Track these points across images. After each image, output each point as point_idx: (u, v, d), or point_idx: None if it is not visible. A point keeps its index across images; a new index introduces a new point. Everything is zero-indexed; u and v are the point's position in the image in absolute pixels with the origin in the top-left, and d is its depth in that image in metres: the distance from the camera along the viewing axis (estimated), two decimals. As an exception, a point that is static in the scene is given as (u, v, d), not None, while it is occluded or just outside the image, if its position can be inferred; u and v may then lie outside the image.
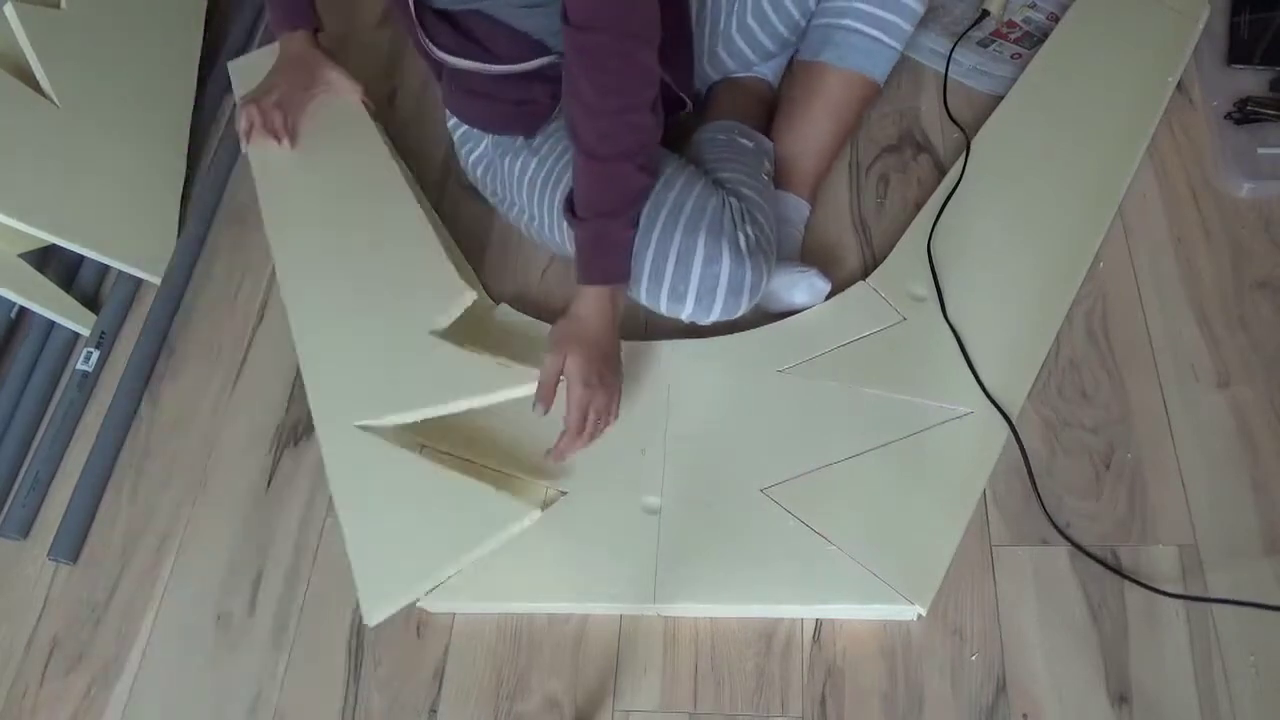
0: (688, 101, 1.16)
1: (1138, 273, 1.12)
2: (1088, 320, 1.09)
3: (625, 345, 1.09)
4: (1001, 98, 1.27)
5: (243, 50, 1.53)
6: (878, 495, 0.97)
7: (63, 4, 1.30)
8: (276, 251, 1.25)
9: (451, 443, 1.06)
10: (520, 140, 1.13)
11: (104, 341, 1.27)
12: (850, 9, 1.14)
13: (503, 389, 1.04)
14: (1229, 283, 1.09)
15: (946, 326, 1.08)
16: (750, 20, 1.19)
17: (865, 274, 1.14)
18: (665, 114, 1.00)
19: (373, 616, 0.95)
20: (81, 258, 1.33)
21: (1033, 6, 1.38)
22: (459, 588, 0.98)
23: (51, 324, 1.29)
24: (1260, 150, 1.16)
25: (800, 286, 1.10)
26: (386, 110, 1.44)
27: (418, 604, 0.99)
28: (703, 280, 0.99)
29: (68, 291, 1.31)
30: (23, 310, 1.31)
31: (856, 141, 1.30)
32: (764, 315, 1.12)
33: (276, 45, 1.36)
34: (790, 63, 1.28)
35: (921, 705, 0.89)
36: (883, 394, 1.03)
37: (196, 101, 1.48)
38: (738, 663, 0.94)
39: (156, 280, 1.31)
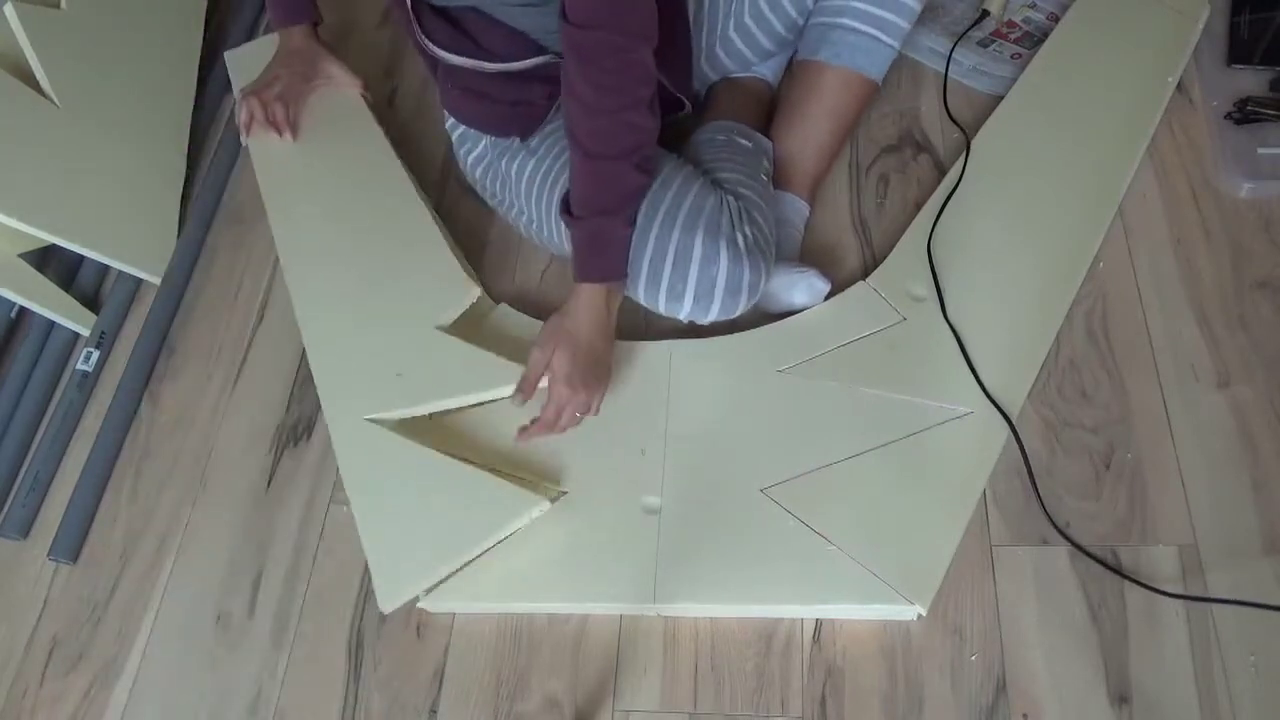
0: (686, 102, 1.16)
1: (1138, 273, 1.12)
2: (1088, 320, 1.09)
3: (625, 345, 1.10)
4: (1001, 98, 1.27)
5: (243, 50, 1.53)
6: (878, 495, 0.97)
7: (63, 4, 1.30)
8: (281, 246, 1.26)
9: (453, 445, 1.06)
10: (517, 141, 1.13)
11: (104, 341, 1.27)
12: (847, 8, 1.13)
13: (509, 385, 1.04)
14: (1229, 283, 1.09)
15: (946, 326, 1.08)
16: (748, 20, 1.19)
17: (865, 274, 1.14)
18: (662, 114, 1.00)
19: (387, 604, 0.96)
20: (81, 258, 1.33)
21: (1033, 6, 1.38)
22: (459, 588, 0.98)
23: (51, 324, 1.29)
24: (1260, 150, 1.16)
25: (800, 287, 1.10)
26: (386, 110, 1.44)
27: (418, 604, 0.99)
28: (700, 280, 0.99)
29: (68, 291, 1.31)
30: (23, 310, 1.31)
31: (856, 141, 1.30)
32: (764, 315, 1.12)
33: (275, 36, 1.37)
34: (789, 62, 1.28)
35: (921, 705, 0.89)
36: (883, 394, 1.03)
37: (197, 101, 1.48)
38: (738, 663, 0.94)
39: (156, 280, 1.31)
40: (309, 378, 1.18)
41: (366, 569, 1.04)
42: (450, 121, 1.21)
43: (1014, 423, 1.01)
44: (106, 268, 1.34)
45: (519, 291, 1.23)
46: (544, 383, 1.00)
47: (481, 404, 1.08)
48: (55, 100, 1.26)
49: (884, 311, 1.10)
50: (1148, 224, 1.15)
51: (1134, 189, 1.18)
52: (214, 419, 1.19)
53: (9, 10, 1.21)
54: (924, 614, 0.92)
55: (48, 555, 1.11)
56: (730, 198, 1.02)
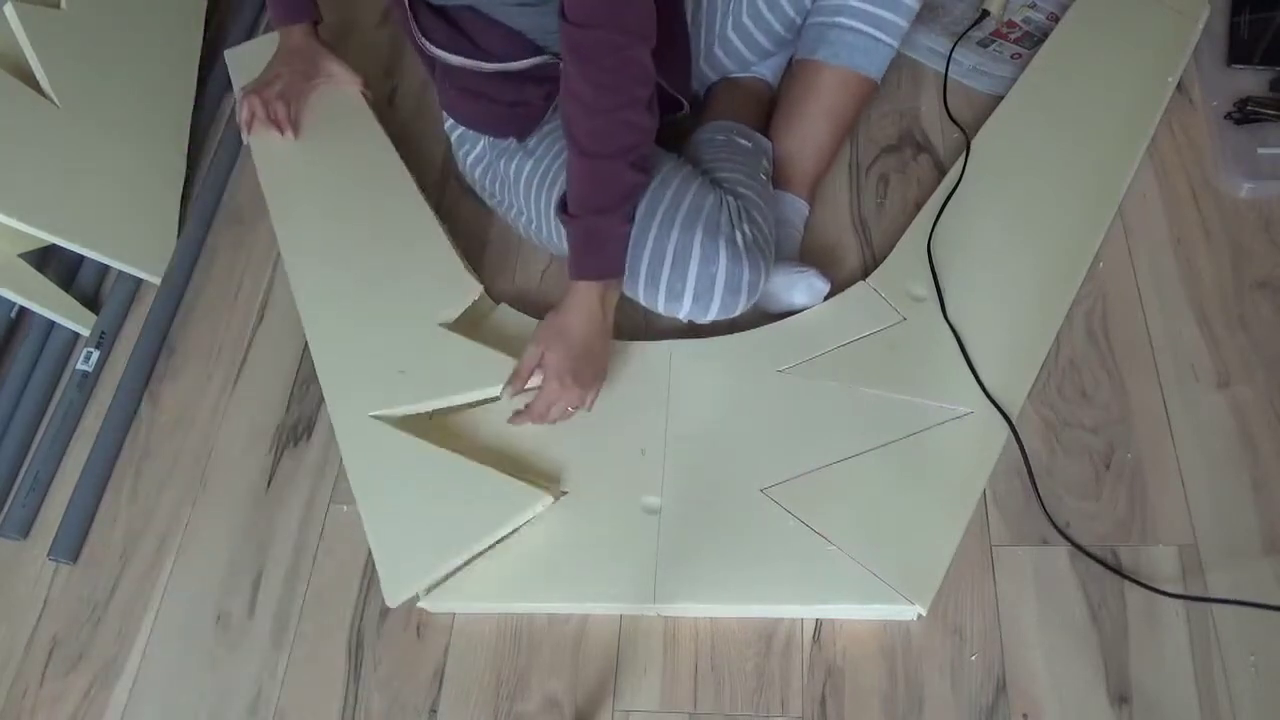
0: (684, 103, 1.16)
1: (1138, 273, 1.12)
2: (1088, 320, 1.09)
3: (625, 345, 1.10)
4: (1001, 98, 1.27)
5: (243, 50, 1.53)
6: (878, 495, 0.97)
7: (63, 4, 1.30)
8: (283, 243, 1.26)
9: (455, 444, 1.06)
10: (515, 142, 1.13)
11: (104, 341, 1.27)
12: (845, 7, 1.13)
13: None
14: (1229, 283, 1.09)
15: (946, 326, 1.08)
16: (746, 19, 1.19)
17: (865, 274, 1.14)
18: (660, 115, 1.00)
19: (393, 598, 0.96)
20: (81, 258, 1.33)
21: (1033, 6, 1.38)
22: (459, 588, 0.98)
23: (51, 324, 1.29)
24: (1260, 150, 1.16)
25: (799, 286, 1.10)
26: (386, 109, 1.44)
27: (418, 604, 0.99)
28: (700, 279, 1.00)
29: (68, 291, 1.31)
30: (23, 310, 1.31)
31: (856, 141, 1.30)
32: (764, 315, 1.12)
33: (275, 35, 1.37)
34: (789, 62, 1.28)
35: (921, 705, 0.89)
36: (883, 394, 1.03)
37: (197, 101, 1.48)
38: (738, 663, 0.94)
39: (156, 280, 1.31)
40: (309, 378, 1.19)
41: (366, 569, 1.05)
42: (449, 123, 1.21)
43: (1014, 423, 1.01)
44: (106, 268, 1.34)
45: (519, 291, 1.23)
46: (538, 379, 1.01)
47: (482, 403, 1.08)
48: (55, 100, 1.26)
49: (884, 311, 1.10)
50: (1148, 224, 1.15)
51: (1134, 189, 1.18)
52: (214, 419, 1.19)
53: (9, 10, 1.21)
54: (924, 614, 0.92)
55: (48, 555, 1.11)
56: (729, 197, 1.02)
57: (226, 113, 1.50)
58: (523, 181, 1.13)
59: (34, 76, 1.25)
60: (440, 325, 1.12)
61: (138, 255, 1.30)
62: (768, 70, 1.29)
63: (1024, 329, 1.08)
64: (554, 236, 1.12)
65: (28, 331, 1.31)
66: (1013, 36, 1.36)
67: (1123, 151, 1.20)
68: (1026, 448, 1.00)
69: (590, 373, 1.02)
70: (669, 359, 1.09)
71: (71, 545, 1.11)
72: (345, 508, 1.09)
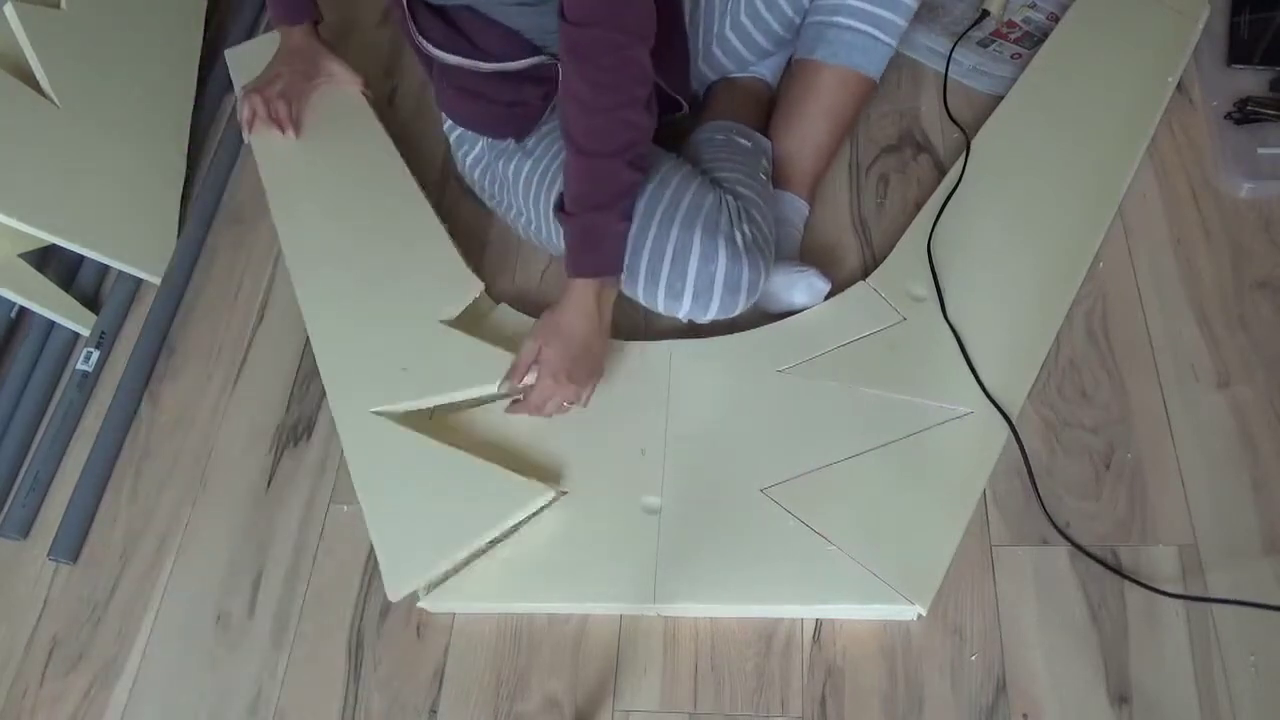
0: (683, 103, 1.16)
1: (1138, 273, 1.12)
2: (1088, 320, 1.09)
3: (625, 345, 1.10)
4: (1001, 98, 1.27)
5: (243, 50, 1.53)
6: (878, 495, 0.97)
7: (63, 4, 1.30)
8: (285, 242, 1.26)
9: (457, 443, 1.06)
10: (514, 143, 1.13)
11: (104, 341, 1.27)
12: (844, 6, 1.13)
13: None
14: (1229, 283, 1.09)
15: (946, 326, 1.08)
16: (744, 19, 1.19)
17: (865, 274, 1.14)
18: (659, 115, 1.00)
19: (395, 592, 0.96)
20: (81, 258, 1.33)
21: (1033, 6, 1.38)
22: (459, 588, 0.98)
23: (51, 324, 1.29)
24: (1260, 150, 1.16)
25: (799, 286, 1.10)
26: (386, 109, 1.44)
27: (418, 604, 0.99)
28: (699, 278, 1.00)
29: (68, 291, 1.31)
30: (23, 310, 1.31)
31: (856, 141, 1.30)
32: (764, 315, 1.12)
33: (275, 34, 1.37)
34: (788, 61, 1.28)
35: (921, 705, 0.89)
36: (883, 394, 1.03)
37: (197, 101, 1.48)
38: (738, 663, 0.94)
39: (156, 280, 1.31)
40: (309, 378, 1.19)
41: (366, 569, 1.05)
42: (448, 124, 1.21)
43: (1014, 423, 1.01)
44: (106, 268, 1.34)
45: (519, 292, 1.23)
46: (534, 375, 1.02)
47: (483, 400, 1.08)
48: (55, 100, 1.26)
49: (884, 311, 1.10)
50: (1148, 224, 1.15)
51: (1134, 189, 1.18)
52: (214, 419, 1.19)
53: (9, 10, 1.21)
54: (924, 614, 0.92)
55: (48, 555, 1.11)
56: (729, 196, 1.03)
57: (227, 112, 1.50)
58: (521, 182, 1.14)
59: (34, 76, 1.25)
60: (441, 322, 1.12)
61: (138, 255, 1.30)
62: (766, 70, 1.29)
63: (1024, 329, 1.08)
64: (553, 237, 1.12)
65: (28, 331, 1.31)
66: (1013, 36, 1.36)
67: (1123, 151, 1.20)
68: (1026, 448, 1.00)
69: (585, 370, 1.02)
70: (669, 359, 1.09)
71: (71, 545, 1.11)
72: (345, 507, 1.09)
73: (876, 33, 1.14)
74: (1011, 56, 1.34)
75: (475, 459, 1.02)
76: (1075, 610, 0.92)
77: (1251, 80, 1.22)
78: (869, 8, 1.13)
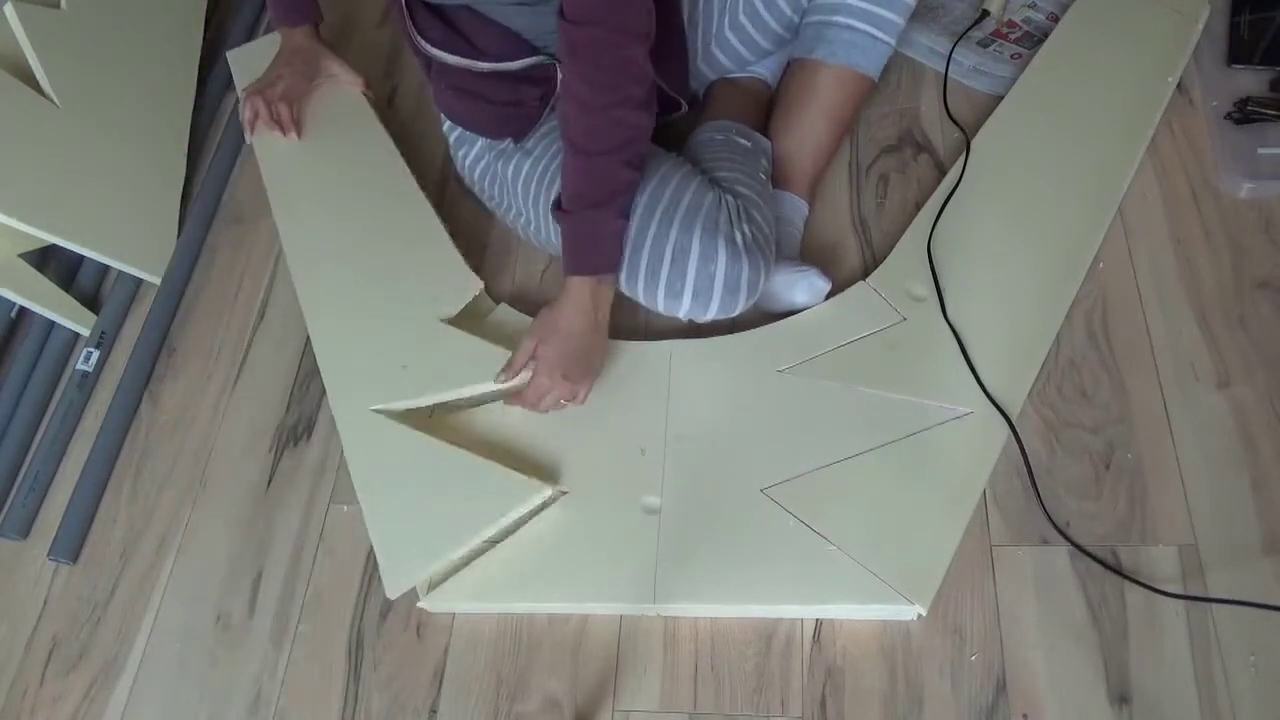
0: (682, 103, 1.16)
1: (1138, 273, 1.12)
2: (1088, 320, 1.09)
3: (626, 345, 1.10)
4: (1001, 98, 1.27)
5: (243, 50, 1.53)
6: (878, 495, 0.97)
7: (63, 4, 1.30)
8: (286, 242, 1.26)
9: (456, 441, 1.06)
10: (512, 143, 1.14)
11: (104, 341, 1.27)
12: (843, 5, 1.13)
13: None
14: (1229, 283, 1.09)
15: (946, 326, 1.08)
16: (742, 18, 1.19)
17: (865, 274, 1.14)
18: (658, 115, 1.00)
19: (395, 589, 0.97)
20: (81, 258, 1.33)
21: (1033, 6, 1.38)
22: (459, 588, 0.98)
23: (51, 324, 1.29)
24: (1260, 150, 1.15)
25: (800, 286, 1.10)
26: (386, 109, 1.44)
27: (418, 604, 0.99)
28: (699, 277, 1.00)
29: (68, 291, 1.31)
30: (23, 310, 1.31)
31: (856, 141, 1.30)
32: (764, 315, 1.12)
33: (276, 35, 1.37)
34: (787, 61, 1.28)
35: (921, 705, 0.89)
36: (883, 394, 1.03)
37: (197, 101, 1.48)
38: (738, 663, 0.94)
39: (156, 280, 1.31)
40: (309, 377, 1.19)
41: (366, 569, 1.05)
42: (447, 124, 1.21)
43: (1014, 423, 1.01)
44: (106, 268, 1.34)
45: (519, 292, 1.23)
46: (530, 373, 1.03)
47: (483, 400, 1.09)
48: (55, 100, 1.26)
49: (884, 311, 1.10)
50: (1148, 224, 1.15)
51: (1134, 189, 1.18)
52: (214, 419, 1.19)
53: (9, 10, 1.21)
54: (924, 614, 0.92)
55: (48, 555, 1.11)
56: (728, 196, 1.03)
57: (227, 113, 1.50)
58: (520, 182, 1.14)
59: (34, 76, 1.25)
60: (441, 321, 1.13)
61: (138, 255, 1.30)
62: (766, 70, 1.28)
63: (1024, 329, 1.08)
64: (552, 237, 1.12)
65: (28, 331, 1.31)
66: (1013, 36, 1.36)
67: (1123, 151, 1.20)
68: (1026, 448, 1.00)
69: (582, 368, 1.02)
70: (669, 359, 1.09)
71: (71, 545, 1.11)
72: (345, 507, 1.09)
73: (875, 32, 1.13)
74: (1011, 56, 1.34)
75: (474, 456, 1.02)
76: (1075, 610, 0.92)
77: (1251, 80, 1.22)
78: (868, 7, 1.13)
